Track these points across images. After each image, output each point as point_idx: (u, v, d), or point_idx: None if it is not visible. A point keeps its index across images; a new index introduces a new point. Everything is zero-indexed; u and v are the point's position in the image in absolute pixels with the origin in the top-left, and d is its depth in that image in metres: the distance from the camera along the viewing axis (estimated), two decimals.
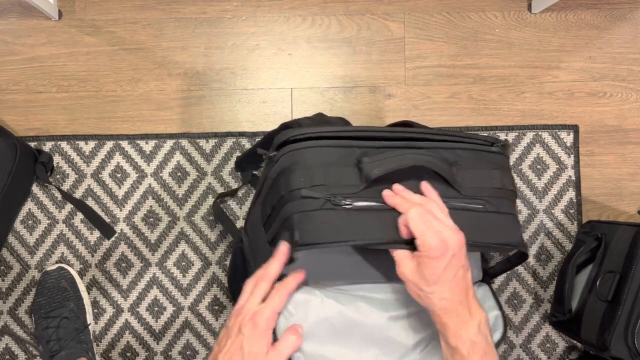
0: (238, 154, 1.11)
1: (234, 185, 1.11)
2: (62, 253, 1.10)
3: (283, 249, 0.66)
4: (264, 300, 0.64)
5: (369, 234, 0.65)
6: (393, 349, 0.70)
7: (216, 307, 1.10)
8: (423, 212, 0.62)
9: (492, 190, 0.71)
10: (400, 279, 0.64)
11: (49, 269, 1.06)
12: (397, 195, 0.66)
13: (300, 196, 0.65)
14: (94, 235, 1.10)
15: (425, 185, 0.68)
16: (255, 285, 0.65)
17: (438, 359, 0.69)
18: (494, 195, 0.71)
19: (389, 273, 0.71)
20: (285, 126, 0.80)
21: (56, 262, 1.09)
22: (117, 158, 1.11)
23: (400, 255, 0.64)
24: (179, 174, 1.11)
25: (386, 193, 0.66)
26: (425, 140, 0.72)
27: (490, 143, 0.74)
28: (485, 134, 1.13)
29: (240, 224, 1.09)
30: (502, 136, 1.13)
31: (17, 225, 1.10)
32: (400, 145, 0.70)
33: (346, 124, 0.81)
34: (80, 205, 1.09)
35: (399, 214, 0.65)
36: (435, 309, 0.62)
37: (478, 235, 0.69)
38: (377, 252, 0.69)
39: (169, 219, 1.11)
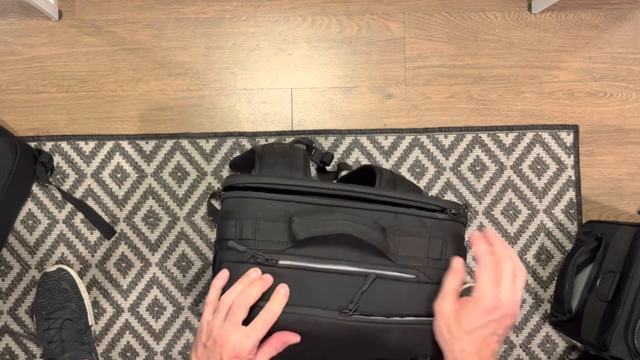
0: (238, 154, 1.11)
1: None
2: (62, 253, 1.10)
3: (268, 278, 0.65)
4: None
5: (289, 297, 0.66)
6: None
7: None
8: (494, 264, 0.62)
9: (429, 260, 0.70)
10: (434, 311, 0.62)
11: (48, 270, 1.06)
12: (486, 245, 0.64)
13: (227, 246, 0.67)
14: (94, 235, 1.10)
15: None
16: (232, 306, 0.63)
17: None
18: (431, 265, 0.70)
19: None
20: (251, 152, 0.81)
21: (56, 263, 1.09)
22: (117, 158, 1.11)
23: (449, 290, 0.62)
24: (179, 174, 1.11)
25: (474, 234, 0.66)
26: (367, 201, 0.70)
27: (441, 209, 0.72)
28: (485, 134, 1.13)
29: None
30: (502, 136, 1.13)
31: (17, 225, 1.10)
32: (338, 204, 0.69)
33: (305, 162, 0.79)
34: (80, 205, 1.09)
35: (325, 278, 0.65)
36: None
37: (406, 306, 0.68)
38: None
39: (169, 219, 1.11)
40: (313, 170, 1.11)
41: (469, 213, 1.12)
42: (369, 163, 0.97)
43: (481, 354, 0.60)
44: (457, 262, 0.67)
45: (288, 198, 0.68)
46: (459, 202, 0.76)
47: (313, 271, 0.66)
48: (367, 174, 0.83)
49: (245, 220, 0.67)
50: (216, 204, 1.10)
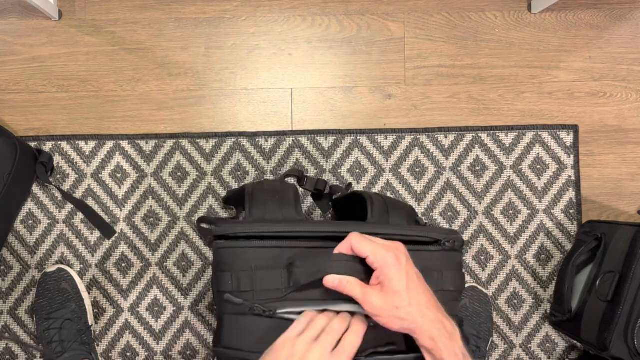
0: (238, 154, 1.11)
1: (235, 186, 1.11)
2: (62, 253, 1.10)
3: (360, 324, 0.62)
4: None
5: None
6: None
7: (216, 307, 1.10)
8: (362, 235, 0.61)
9: None
10: (373, 315, 0.59)
11: (48, 270, 1.06)
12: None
13: (226, 299, 0.66)
14: (94, 235, 1.10)
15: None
16: (318, 332, 0.61)
17: None
18: None
19: None
20: (243, 188, 0.79)
21: (56, 263, 1.09)
22: (117, 158, 1.11)
23: (360, 290, 0.59)
24: (179, 174, 1.11)
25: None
26: None
27: (434, 241, 0.70)
28: (485, 134, 1.13)
29: None
30: (501, 136, 1.13)
31: (18, 225, 1.10)
32: (333, 246, 0.65)
33: (296, 198, 0.77)
34: (80, 205, 1.09)
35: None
36: (422, 326, 0.57)
37: (409, 342, 0.65)
38: None
39: (169, 219, 1.11)
40: (309, 199, 1.11)
41: (469, 213, 1.12)
42: (359, 190, 0.95)
43: (430, 299, 0.59)
44: (329, 281, 0.63)
45: (282, 244, 0.67)
46: (455, 230, 0.74)
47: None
48: (359, 199, 0.82)
49: (242, 272, 0.66)
50: (205, 225, 1.10)
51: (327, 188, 1.08)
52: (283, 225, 0.69)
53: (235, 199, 1.06)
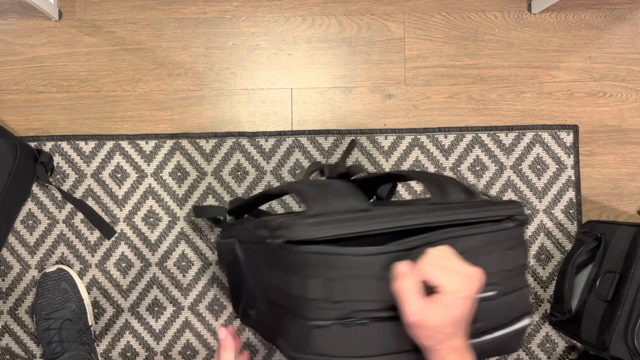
0: (238, 154, 1.11)
1: (234, 186, 1.11)
2: (62, 253, 1.10)
3: (224, 336, 0.73)
4: None
5: (383, 348, 0.63)
6: None
7: (216, 307, 1.10)
8: (437, 262, 0.60)
9: (504, 272, 0.68)
10: (406, 319, 0.59)
11: (48, 270, 1.06)
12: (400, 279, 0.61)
13: (316, 307, 0.62)
14: (94, 235, 1.10)
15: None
16: None
17: None
18: (506, 277, 0.68)
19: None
20: (250, 199, 0.75)
21: (56, 263, 1.09)
22: (117, 158, 1.11)
23: (412, 298, 0.58)
24: (179, 174, 1.11)
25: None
26: (440, 228, 0.65)
27: (507, 217, 0.69)
28: (485, 134, 1.13)
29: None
30: (501, 136, 1.13)
31: (18, 225, 1.10)
32: (419, 244, 0.62)
33: (349, 188, 0.71)
34: (80, 205, 1.09)
35: None
36: (442, 351, 0.59)
37: (492, 321, 0.67)
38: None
39: (169, 219, 1.11)
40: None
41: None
42: (395, 171, 0.87)
43: (462, 330, 0.61)
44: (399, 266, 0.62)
45: (372, 251, 0.61)
46: (516, 201, 0.72)
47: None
48: (389, 180, 0.79)
49: (335, 281, 0.61)
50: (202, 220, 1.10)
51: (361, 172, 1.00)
52: (362, 224, 0.63)
53: (241, 209, 0.99)
